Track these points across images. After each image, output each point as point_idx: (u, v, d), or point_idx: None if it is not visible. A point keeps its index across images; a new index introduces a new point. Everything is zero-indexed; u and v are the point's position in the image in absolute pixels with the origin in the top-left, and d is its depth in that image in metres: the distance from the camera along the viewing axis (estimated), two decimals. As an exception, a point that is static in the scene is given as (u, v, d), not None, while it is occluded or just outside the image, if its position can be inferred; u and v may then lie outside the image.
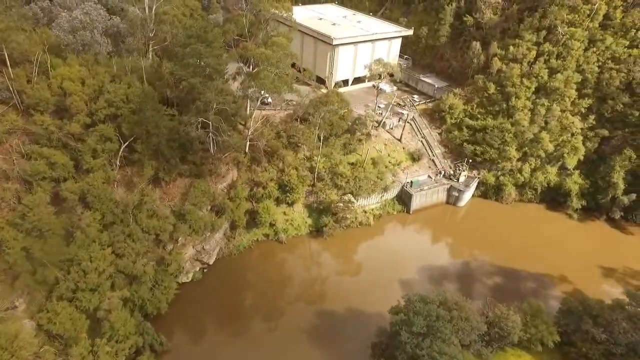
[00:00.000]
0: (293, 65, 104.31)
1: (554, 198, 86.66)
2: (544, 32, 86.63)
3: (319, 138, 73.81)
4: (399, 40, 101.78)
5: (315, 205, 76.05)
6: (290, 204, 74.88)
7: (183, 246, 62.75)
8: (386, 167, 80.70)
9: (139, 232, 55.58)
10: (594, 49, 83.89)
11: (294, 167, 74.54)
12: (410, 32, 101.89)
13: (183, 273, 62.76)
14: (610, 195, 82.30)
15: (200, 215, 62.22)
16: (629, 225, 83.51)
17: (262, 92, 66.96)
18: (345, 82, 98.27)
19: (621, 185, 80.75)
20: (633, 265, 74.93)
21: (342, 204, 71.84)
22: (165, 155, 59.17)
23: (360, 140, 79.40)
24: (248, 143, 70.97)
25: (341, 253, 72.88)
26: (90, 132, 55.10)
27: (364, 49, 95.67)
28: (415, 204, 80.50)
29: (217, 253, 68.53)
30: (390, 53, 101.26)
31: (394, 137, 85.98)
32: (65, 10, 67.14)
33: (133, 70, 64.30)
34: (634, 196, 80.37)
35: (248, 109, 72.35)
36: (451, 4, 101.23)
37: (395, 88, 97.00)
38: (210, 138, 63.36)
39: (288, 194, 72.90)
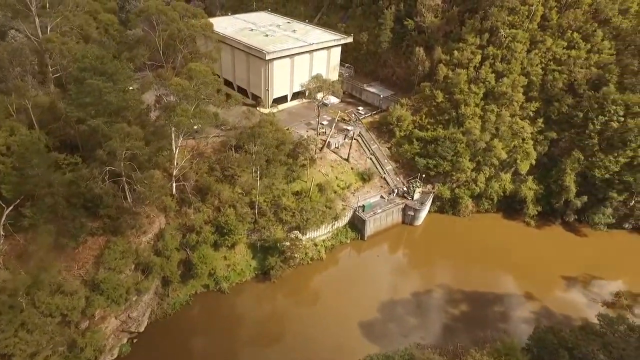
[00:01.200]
0: (229, 83, 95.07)
1: (510, 205, 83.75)
2: (486, 35, 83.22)
3: (256, 169, 65.27)
4: (339, 49, 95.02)
5: (259, 244, 67.65)
6: (231, 247, 66.00)
7: (102, 319, 52.15)
8: (335, 192, 73.68)
9: (37, 317, 44.64)
10: (536, 50, 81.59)
11: (230, 204, 65.65)
12: (349, 39, 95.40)
13: (106, 351, 52.28)
14: (563, 199, 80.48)
15: (120, 280, 51.94)
16: (582, 226, 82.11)
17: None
18: (284, 98, 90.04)
19: (573, 189, 78.93)
20: (590, 270, 73.04)
21: (288, 243, 63.92)
22: (67, 216, 48.33)
23: (303, 165, 71.71)
24: (174, 184, 61.26)
25: (293, 296, 65.12)
26: (-44, 201, 43.48)
27: (302, 61, 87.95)
28: (370, 229, 74.16)
29: (148, 317, 58.48)
30: (330, 63, 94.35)
31: (341, 157, 79.08)
32: None
33: (20, 111, 52.67)
34: (585, 198, 78.98)
35: (173, 143, 62.08)
36: (390, 8, 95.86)
37: (338, 100, 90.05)
38: (125, 188, 53.03)
39: (227, 237, 63.96)
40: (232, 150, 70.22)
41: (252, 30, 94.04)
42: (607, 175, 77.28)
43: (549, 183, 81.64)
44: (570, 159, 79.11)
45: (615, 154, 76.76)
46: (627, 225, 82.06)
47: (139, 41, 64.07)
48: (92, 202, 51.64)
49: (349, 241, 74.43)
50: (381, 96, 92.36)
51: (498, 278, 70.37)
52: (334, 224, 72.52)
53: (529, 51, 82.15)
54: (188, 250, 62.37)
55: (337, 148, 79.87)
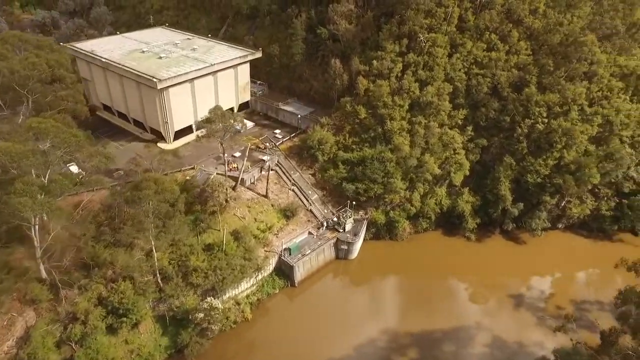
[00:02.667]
0: (124, 116, 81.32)
1: (449, 221, 78.77)
2: (405, 41, 77.22)
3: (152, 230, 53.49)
4: (247, 66, 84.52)
5: (169, 315, 56.15)
6: (133, 326, 53.95)
7: None
8: (255, 236, 63.65)
9: None
10: (458, 54, 77.12)
11: (126, 274, 53.56)
12: (258, 54, 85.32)
13: None
14: (500, 208, 76.86)
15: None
16: (521, 233, 79.28)
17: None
18: (189, 129, 77.94)
19: (509, 197, 75.54)
20: (535, 283, 70.45)
21: (201, 314, 53.13)
22: None
23: (213, 212, 60.97)
24: (42, 266, 48.05)
25: (216, 374, 54.59)
26: None
27: (205, 85, 76.45)
28: (300, 274, 65.14)
29: None
30: (239, 82, 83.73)
31: (258, 193, 68.93)
32: None
33: None
34: (521, 205, 75.96)
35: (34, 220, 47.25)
36: (300, 16, 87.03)
37: (252, 124, 79.80)
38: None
39: (125, 317, 51.93)
40: (124, 203, 57.72)
41: (143, 52, 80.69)
42: (539, 180, 74.83)
43: (485, 193, 77.74)
44: (502, 166, 75.71)
45: (544, 157, 74.70)
46: (560, 226, 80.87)
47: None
48: None
49: (277, 291, 64.84)
50: (299, 115, 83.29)
51: (444, 307, 64.60)
52: (258, 275, 62.61)
53: (450, 56, 77.45)
54: (73, 344, 49.67)
55: (253, 183, 69.71)
